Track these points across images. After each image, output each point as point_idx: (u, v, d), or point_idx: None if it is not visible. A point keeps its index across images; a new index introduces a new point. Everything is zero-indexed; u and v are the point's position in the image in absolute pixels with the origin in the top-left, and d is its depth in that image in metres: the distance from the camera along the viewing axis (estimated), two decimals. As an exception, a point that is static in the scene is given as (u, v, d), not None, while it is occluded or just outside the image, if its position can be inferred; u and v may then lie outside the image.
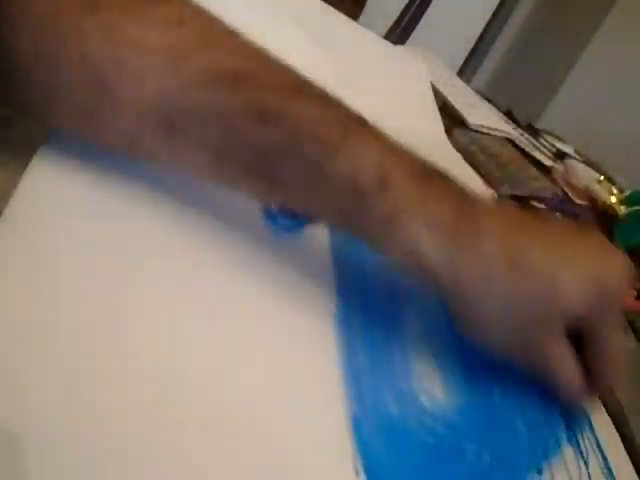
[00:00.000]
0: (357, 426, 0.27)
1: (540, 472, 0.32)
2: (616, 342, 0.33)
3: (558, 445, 0.34)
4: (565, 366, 0.32)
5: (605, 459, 0.35)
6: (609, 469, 0.35)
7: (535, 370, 0.33)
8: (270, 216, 0.35)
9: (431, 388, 0.32)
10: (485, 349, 0.33)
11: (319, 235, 0.37)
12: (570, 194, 0.76)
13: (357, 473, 0.25)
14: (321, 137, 0.27)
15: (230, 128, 0.27)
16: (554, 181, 0.78)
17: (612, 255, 0.33)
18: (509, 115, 0.94)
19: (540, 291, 0.30)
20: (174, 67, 0.26)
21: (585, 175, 0.81)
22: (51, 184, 0.30)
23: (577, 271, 0.30)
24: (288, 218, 0.35)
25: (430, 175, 0.30)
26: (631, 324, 0.50)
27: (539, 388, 0.34)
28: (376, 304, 0.35)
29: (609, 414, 0.39)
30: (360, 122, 0.29)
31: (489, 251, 0.29)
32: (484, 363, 0.35)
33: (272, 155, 0.27)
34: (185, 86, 0.27)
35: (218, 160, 0.28)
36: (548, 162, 0.82)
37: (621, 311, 0.33)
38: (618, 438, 0.38)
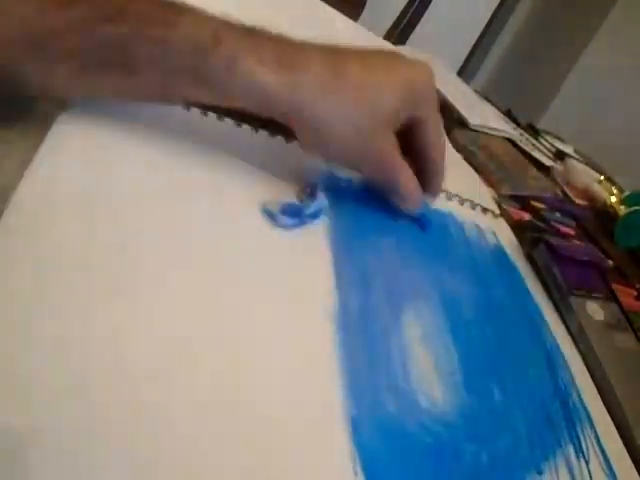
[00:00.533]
0: (356, 426, 0.27)
1: (540, 472, 0.32)
2: (437, 132, 0.40)
3: (559, 445, 0.34)
4: (403, 173, 0.39)
5: (606, 458, 0.36)
6: (610, 468, 0.35)
7: (376, 180, 0.40)
8: (270, 215, 0.35)
9: (430, 388, 0.32)
10: (333, 161, 0.39)
11: (319, 234, 0.37)
12: (570, 194, 0.76)
13: (356, 473, 0.25)
14: (158, 18, 0.32)
15: (84, 34, 0.31)
16: (554, 181, 0.78)
17: (417, 64, 0.39)
18: (509, 115, 0.94)
19: (363, 94, 0.35)
20: None
21: (585, 175, 0.81)
22: (51, 183, 0.30)
23: (390, 77, 0.37)
24: (288, 217, 0.35)
25: (259, 31, 0.34)
26: (630, 324, 0.50)
27: (539, 389, 0.34)
28: (375, 304, 0.35)
29: (609, 414, 0.39)
30: (192, 7, 0.33)
31: (315, 69, 0.34)
32: (485, 362, 0.35)
33: (122, 47, 0.31)
34: (41, 9, 0.30)
35: (81, 68, 0.32)
36: (548, 162, 0.82)
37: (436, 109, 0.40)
38: (619, 438, 0.38)
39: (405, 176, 0.39)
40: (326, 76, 0.34)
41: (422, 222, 0.43)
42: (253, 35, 0.34)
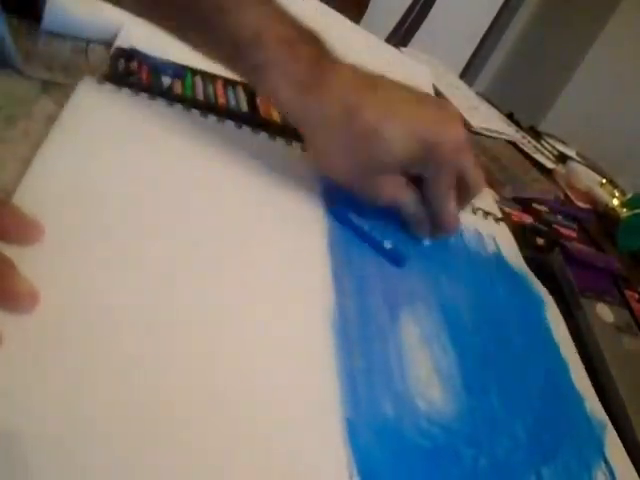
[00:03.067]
0: (352, 429, 0.27)
1: (540, 476, 0.31)
2: (444, 194, 0.40)
3: (559, 448, 0.34)
4: (406, 200, 0.40)
5: (606, 460, 0.35)
6: (611, 471, 0.35)
7: (383, 203, 0.40)
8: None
9: (428, 392, 0.32)
10: (337, 180, 0.39)
11: (318, 238, 0.37)
12: (572, 197, 0.76)
13: (352, 476, 0.25)
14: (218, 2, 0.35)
15: None
16: (556, 184, 0.78)
17: (447, 119, 0.39)
18: (511, 118, 0.94)
19: (366, 135, 0.36)
20: None
21: (587, 178, 0.81)
22: (51, 183, 0.30)
23: (403, 125, 0.37)
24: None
25: (299, 40, 0.36)
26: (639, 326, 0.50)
27: (538, 393, 0.34)
28: (374, 307, 0.35)
29: (613, 416, 0.39)
30: None
31: (330, 98, 0.36)
32: (483, 367, 0.35)
33: (182, 8, 0.35)
34: None
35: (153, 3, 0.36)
36: (550, 165, 0.82)
37: (462, 171, 0.39)
38: (618, 438, 0.38)
39: (406, 207, 0.40)
40: (336, 109, 0.36)
41: (396, 256, 0.39)
42: (292, 45, 0.35)
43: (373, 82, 0.38)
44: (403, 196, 0.40)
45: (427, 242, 0.43)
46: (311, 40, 0.37)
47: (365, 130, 0.36)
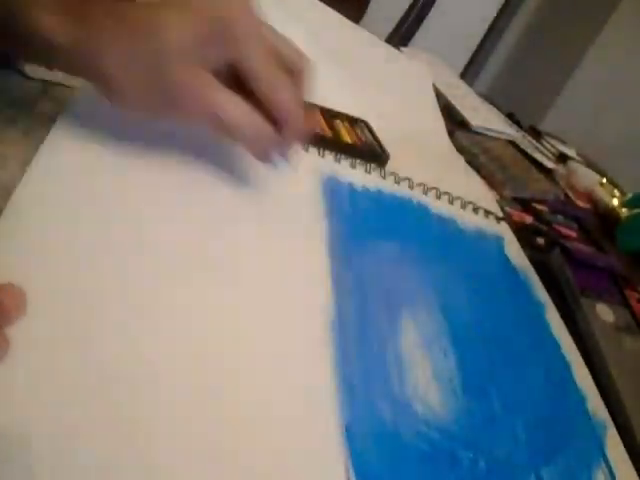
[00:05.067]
0: (349, 433, 0.27)
1: (539, 477, 0.31)
2: (264, 70, 0.33)
3: (559, 450, 0.34)
4: (222, 104, 0.33)
5: (606, 460, 0.35)
6: (611, 472, 0.35)
7: (202, 121, 0.33)
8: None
9: (426, 395, 0.32)
10: (144, 111, 0.33)
11: (317, 238, 0.37)
12: (572, 196, 0.76)
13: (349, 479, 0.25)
14: None
15: None
16: (556, 183, 0.78)
17: (228, 2, 0.33)
18: (511, 117, 0.94)
19: (141, 32, 0.32)
20: None
21: (587, 177, 0.81)
22: (51, 183, 0.30)
23: (181, 14, 0.32)
24: None
25: None
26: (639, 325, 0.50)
27: (538, 394, 0.34)
28: (373, 309, 0.35)
29: (613, 415, 0.39)
30: None
31: (99, 12, 0.32)
32: (483, 368, 0.35)
33: None
34: None
35: None
36: (550, 164, 0.82)
37: (262, 49, 0.33)
38: (619, 438, 0.38)
39: (226, 107, 0.33)
40: (109, 23, 0.31)
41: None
42: None
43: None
44: (218, 93, 0.33)
45: (279, 164, 0.36)
46: None
47: (137, 25, 0.32)
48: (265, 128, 0.34)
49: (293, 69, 0.35)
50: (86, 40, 0.31)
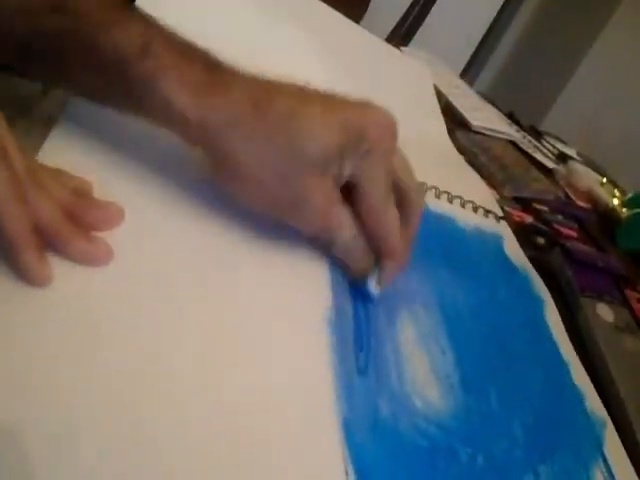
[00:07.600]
0: (348, 428, 0.27)
1: (537, 475, 0.31)
2: (383, 198, 0.33)
3: (556, 447, 0.34)
4: (342, 219, 0.33)
5: (605, 460, 0.35)
6: (609, 468, 0.35)
7: (314, 233, 0.33)
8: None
9: (425, 391, 0.32)
10: (254, 207, 0.33)
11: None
12: (572, 196, 0.76)
13: (347, 475, 0.25)
14: (95, 17, 0.30)
15: (28, 18, 0.30)
16: (556, 183, 0.78)
17: (368, 105, 0.33)
18: (511, 117, 0.94)
19: (282, 123, 0.30)
20: None
21: (587, 177, 0.81)
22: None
23: (322, 115, 0.31)
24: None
25: (191, 47, 0.32)
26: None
27: (536, 391, 0.34)
28: (372, 305, 0.35)
29: (612, 414, 0.39)
30: (138, 11, 0.32)
31: (235, 95, 0.30)
32: (481, 365, 0.35)
33: (58, 38, 0.30)
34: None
35: (22, 51, 0.31)
36: (550, 164, 0.82)
37: (390, 167, 0.33)
38: (617, 437, 0.38)
39: (344, 232, 0.33)
40: (245, 104, 0.30)
41: (367, 294, 0.35)
42: (185, 52, 0.31)
43: (279, 82, 0.32)
44: (338, 213, 0.32)
45: (375, 290, 0.34)
46: (203, 48, 0.32)
47: (280, 117, 0.30)
48: (370, 259, 0.34)
49: (404, 201, 0.34)
50: (214, 112, 0.30)
